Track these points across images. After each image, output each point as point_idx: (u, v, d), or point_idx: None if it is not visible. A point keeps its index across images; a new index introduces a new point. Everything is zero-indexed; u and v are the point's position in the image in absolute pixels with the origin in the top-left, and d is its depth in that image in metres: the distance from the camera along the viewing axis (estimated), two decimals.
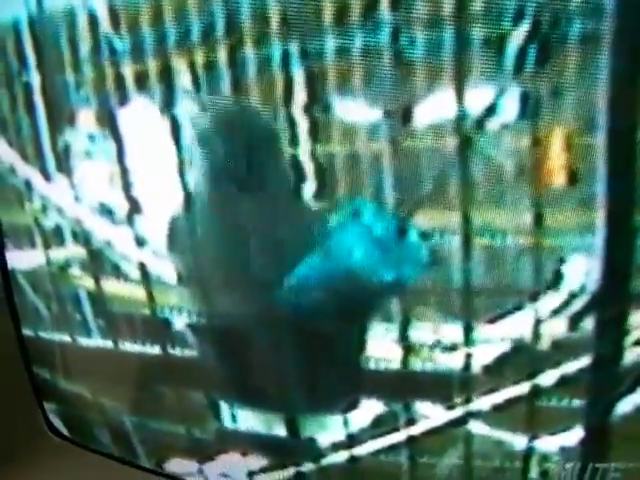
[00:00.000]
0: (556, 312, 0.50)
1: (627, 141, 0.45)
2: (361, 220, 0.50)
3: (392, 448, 0.57)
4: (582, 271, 0.49)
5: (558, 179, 0.47)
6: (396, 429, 0.57)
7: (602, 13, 0.42)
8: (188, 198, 0.53)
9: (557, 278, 0.49)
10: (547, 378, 0.52)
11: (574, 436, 0.54)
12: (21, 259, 0.62)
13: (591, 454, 0.54)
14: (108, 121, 0.54)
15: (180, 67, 0.50)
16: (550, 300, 0.50)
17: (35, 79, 0.55)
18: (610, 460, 0.54)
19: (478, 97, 0.46)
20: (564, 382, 0.52)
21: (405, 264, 0.51)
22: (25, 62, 0.55)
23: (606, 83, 0.44)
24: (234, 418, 0.61)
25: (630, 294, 0.49)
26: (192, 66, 0.50)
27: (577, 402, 0.53)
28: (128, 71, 0.52)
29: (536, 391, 0.53)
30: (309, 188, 0.50)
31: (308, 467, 0.60)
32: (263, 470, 0.62)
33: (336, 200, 0.50)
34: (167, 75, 0.51)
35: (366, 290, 0.53)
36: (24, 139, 0.57)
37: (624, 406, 0.52)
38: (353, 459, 0.59)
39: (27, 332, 0.64)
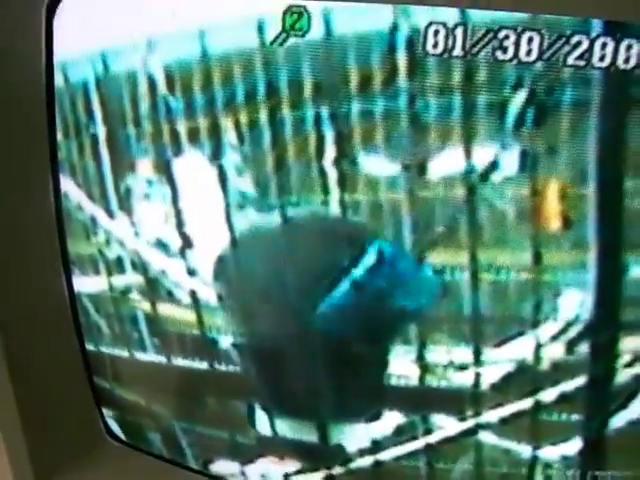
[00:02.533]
0: (554, 338, 0.53)
1: (614, 192, 0.48)
2: (383, 258, 0.53)
3: (412, 454, 0.60)
4: (576, 303, 0.51)
5: (554, 224, 0.49)
6: (415, 437, 0.59)
7: (590, 83, 0.45)
8: (232, 237, 0.56)
9: (554, 309, 0.52)
10: (547, 395, 0.55)
11: (573, 446, 0.56)
12: (86, 284, 0.64)
13: (590, 463, 0.57)
14: (164, 169, 0.56)
15: (226, 125, 0.53)
16: (549, 328, 0.52)
17: (101, 131, 0.57)
18: (607, 469, 0.56)
19: (483, 154, 0.49)
20: (563, 399, 0.54)
21: (421, 296, 0.54)
22: (92, 116, 0.57)
23: (595, 142, 0.47)
24: (272, 426, 0.63)
25: (620, 323, 0.52)
26: (237, 124, 0.53)
27: (575, 416, 0.55)
28: (182, 127, 0.54)
29: (538, 406, 0.55)
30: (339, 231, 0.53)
31: (337, 470, 0.63)
32: (297, 472, 0.64)
33: (361, 241, 0.53)
34: (215, 131, 0.53)
35: (388, 318, 0.55)
36: (90, 181, 0.59)
37: (618, 421, 0.54)
38: (377, 463, 0.61)
39: (89, 347, 0.66)
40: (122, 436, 0.71)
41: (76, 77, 0.57)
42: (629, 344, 0.52)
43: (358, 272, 0.54)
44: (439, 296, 0.53)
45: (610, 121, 0.47)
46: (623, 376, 0.53)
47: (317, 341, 0.58)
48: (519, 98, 0.47)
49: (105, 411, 0.70)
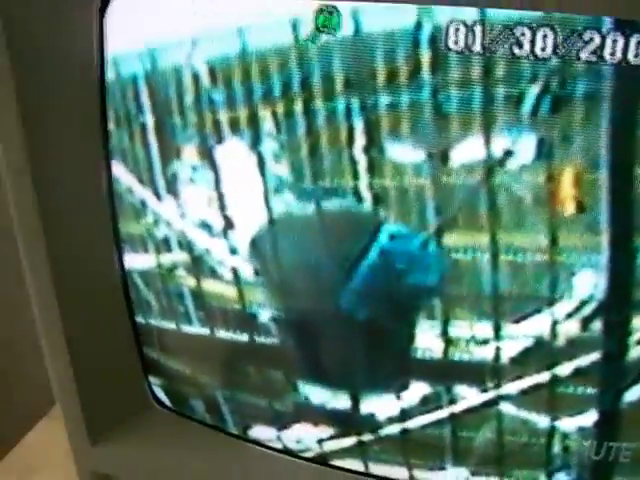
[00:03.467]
0: (569, 315, 0.55)
1: (626, 177, 0.50)
2: (408, 240, 0.56)
3: (437, 423, 0.62)
4: (590, 283, 0.53)
5: (569, 208, 0.51)
6: (440, 407, 0.62)
7: (602, 77, 0.47)
8: (269, 218, 0.59)
9: (569, 288, 0.54)
10: (564, 369, 0.57)
11: (589, 418, 0.58)
12: (136, 261, 0.67)
13: (605, 434, 0.59)
14: (207, 155, 0.59)
15: (264, 115, 0.56)
16: (564, 306, 0.55)
17: (149, 120, 0.60)
18: (622, 440, 0.58)
19: (501, 143, 0.51)
20: (578, 373, 0.56)
21: (440, 275, 0.57)
22: (141, 107, 0.60)
23: (607, 132, 0.49)
24: (307, 394, 0.66)
25: (632, 302, 0.53)
26: (274, 114, 0.55)
27: (590, 390, 0.57)
28: (223, 117, 0.57)
29: (555, 379, 0.57)
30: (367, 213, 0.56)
31: (367, 437, 0.66)
32: (330, 438, 0.68)
33: (388, 224, 0.56)
34: (254, 121, 0.56)
35: (411, 296, 0.58)
36: (140, 167, 0.62)
37: (631, 395, 0.56)
38: (405, 431, 0.64)
39: (139, 320, 0.70)
40: (168, 403, 0.75)
41: (126, 72, 0.60)
42: None
43: (380, 254, 0.57)
44: (458, 275, 0.56)
45: (621, 112, 0.48)
46: (635, 352, 0.55)
47: (347, 316, 0.61)
48: (535, 91, 0.49)
49: (152, 379, 0.74)
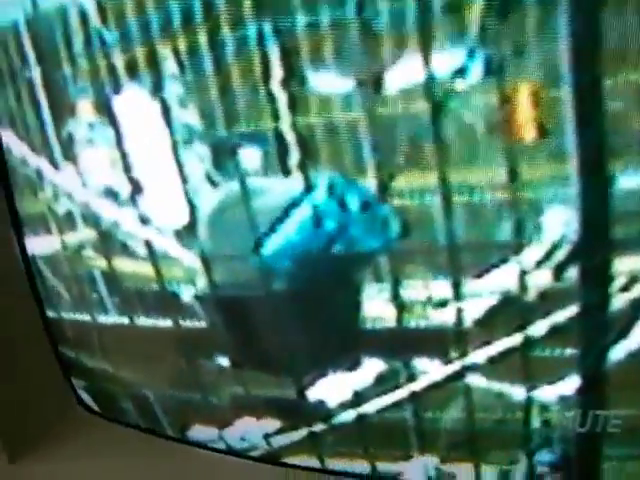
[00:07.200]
0: (540, 263, 0.50)
1: (591, 93, 0.45)
2: (343, 189, 0.51)
3: (396, 405, 0.58)
4: (561, 222, 0.48)
5: (529, 134, 0.46)
6: (398, 386, 0.57)
7: None
8: (182, 178, 0.54)
9: (537, 230, 0.49)
10: (537, 328, 0.52)
11: (571, 385, 0.54)
12: (39, 245, 0.63)
13: (590, 402, 0.54)
14: (105, 109, 0.55)
15: (165, 53, 0.50)
16: (533, 252, 0.50)
17: (36, 74, 0.56)
18: (609, 408, 0.54)
19: (444, 60, 0.46)
20: (555, 332, 0.52)
21: (386, 228, 0.51)
22: (26, 59, 0.56)
23: (567, 37, 0.43)
24: (245, 383, 0.61)
25: (611, 241, 0.49)
26: (176, 51, 0.50)
27: (570, 351, 0.53)
28: (118, 61, 0.52)
29: (528, 342, 0.53)
30: (294, 159, 0.50)
31: (319, 427, 0.61)
32: (278, 432, 0.63)
33: (318, 171, 0.51)
34: (154, 61, 0.51)
35: (353, 254, 0.53)
36: (31, 131, 0.58)
37: (617, 353, 0.51)
38: (361, 417, 0.59)
39: (51, 314, 0.66)
40: (95, 407, 0.71)
41: (4, 18, 0.56)
42: (623, 265, 0.49)
43: (311, 209, 0.52)
44: (406, 226, 0.51)
45: (583, 13, 0.43)
46: (619, 302, 0.50)
47: (280, 286, 0.56)
48: None
49: (75, 382, 0.70)
